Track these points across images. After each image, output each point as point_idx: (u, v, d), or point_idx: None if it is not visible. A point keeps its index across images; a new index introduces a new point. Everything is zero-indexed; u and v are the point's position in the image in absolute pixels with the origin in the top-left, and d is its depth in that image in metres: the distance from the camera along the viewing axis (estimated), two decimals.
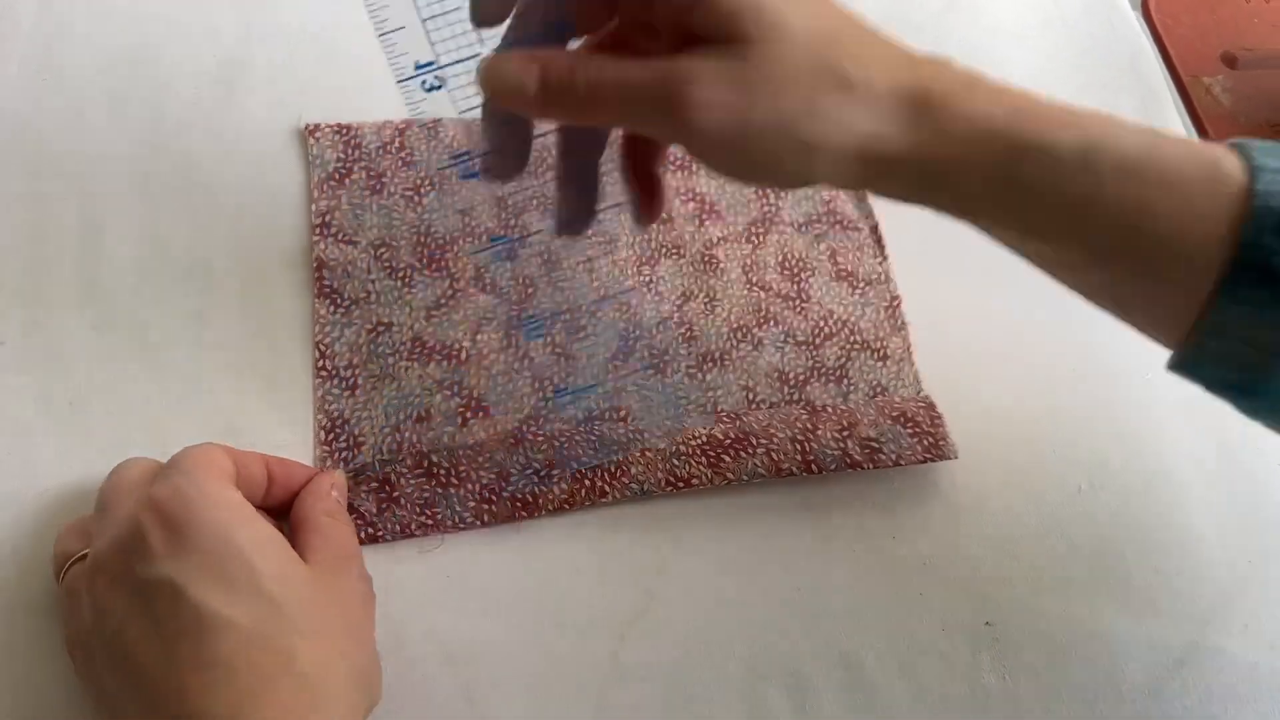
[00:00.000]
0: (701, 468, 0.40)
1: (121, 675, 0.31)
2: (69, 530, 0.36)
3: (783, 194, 0.47)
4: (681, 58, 0.30)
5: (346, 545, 0.36)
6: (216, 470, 0.34)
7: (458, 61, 0.35)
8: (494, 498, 0.40)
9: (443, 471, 0.40)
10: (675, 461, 0.40)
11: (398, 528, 0.39)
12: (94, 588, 0.32)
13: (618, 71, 0.31)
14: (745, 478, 0.40)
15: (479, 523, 0.39)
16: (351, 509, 0.39)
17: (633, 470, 0.40)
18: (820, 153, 0.30)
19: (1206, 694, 0.39)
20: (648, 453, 0.40)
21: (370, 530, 0.39)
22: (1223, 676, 0.40)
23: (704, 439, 0.41)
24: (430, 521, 0.39)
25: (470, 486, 0.40)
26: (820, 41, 0.30)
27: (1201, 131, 0.53)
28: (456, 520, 0.39)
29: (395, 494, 0.39)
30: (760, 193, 0.47)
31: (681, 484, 0.40)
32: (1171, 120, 0.52)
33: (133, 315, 0.42)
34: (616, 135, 0.38)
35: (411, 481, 0.40)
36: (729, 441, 0.41)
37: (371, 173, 0.45)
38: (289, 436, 0.41)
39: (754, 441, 0.41)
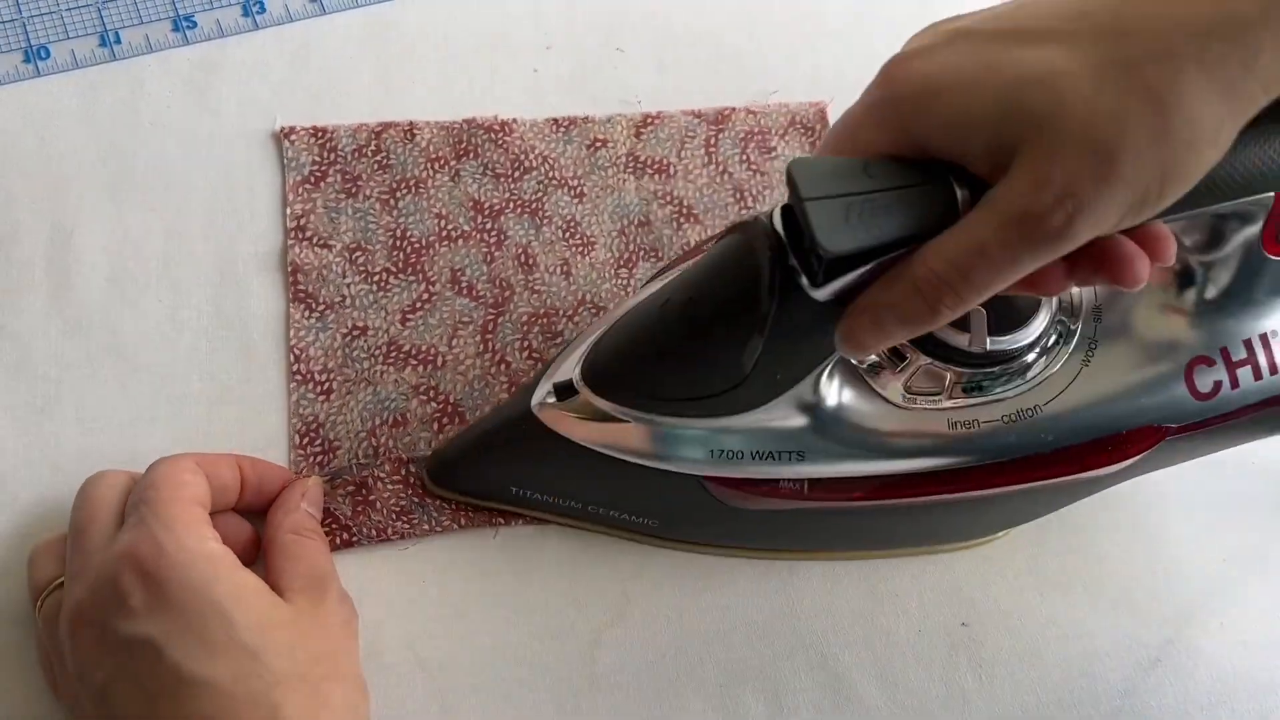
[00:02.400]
0: None
1: None
2: (43, 551, 0.35)
3: (759, 197, 0.47)
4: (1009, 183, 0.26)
5: (318, 565, 0.35)
6: (189, 509, 0.33)
7: None
8: (471, 508, 0.39)
9: (420, 484, 0.40)
10: None
11: (373, 532, 0.39)
12: (76, 641, 0.32)
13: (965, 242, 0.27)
14: None
15: (455, 526, 0.39)
16: (326, 512, 0.39)
17: None
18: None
19: (1182, 693, 0.40)
20: None
21: (345, 535, 0.38)
22: (1198, 675, 0.40)
23: None
24: (407, 525, 0.39)
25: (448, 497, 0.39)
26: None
27: None
28: (433, 524, 0.39)
29: (371, 498, 0.39)
30: (737, 196, 0.47)
31: None
32: None
33: (104, 320, 0.42)
34: None
35: (389, 487, 0.39)
36: None
37: (347, 176, 0.45)
38: (263, 441, 0.40)
39: None
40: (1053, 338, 0.36)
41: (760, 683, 0.38)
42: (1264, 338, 0.36)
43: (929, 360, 0.35)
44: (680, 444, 0.35)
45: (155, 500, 0.33)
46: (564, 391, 0.35)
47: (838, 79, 0.50)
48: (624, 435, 0.35)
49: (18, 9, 0.47)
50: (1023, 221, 0.26)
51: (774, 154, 0.48)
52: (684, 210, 0.46)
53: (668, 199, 0.47)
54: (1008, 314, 0.35)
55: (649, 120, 0.48)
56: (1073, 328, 0.36)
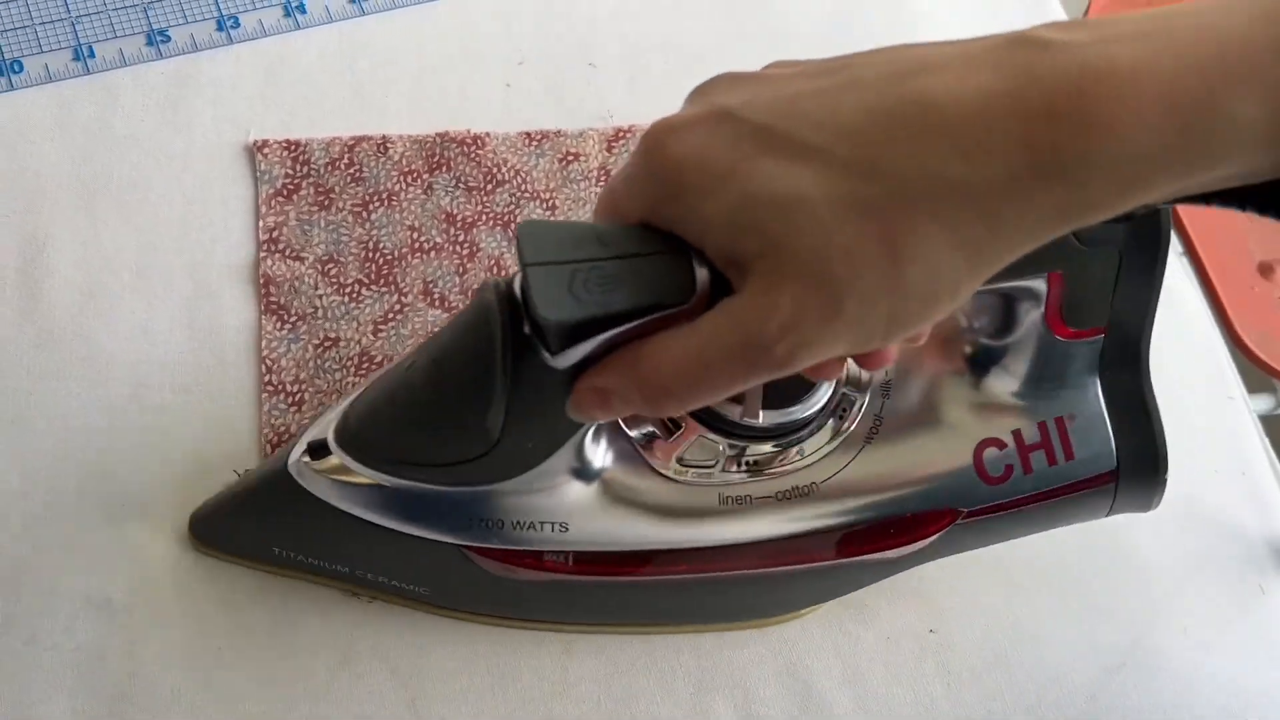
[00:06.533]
0: None
1: None
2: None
3: None
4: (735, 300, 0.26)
5: None
6: None
7: None
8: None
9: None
10: None
11: None
12: None
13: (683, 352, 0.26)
14: None
15: None
16: None
17: None
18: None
19: (1146, 696, 0.40)
20: None
21: None
22: (1162, 677, 0.41)
23: None
24: None
25: None
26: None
27: None
28: None
29: None
30: None
31: None
32: None
33: (77, 332, 0.42)
34: None
35: None
36: None
37: (320, 188, 0.45)
38: (235, 452, 0.40)
39: None
40: (834, 412, 0.34)
41: (730, 690, 0.39)
42: (1060, 421, 0.34)
43: (702, 431, 0.33)
44: (437, 511, 0.33)
45: None
46: (318, 450, 0.34)
47: None
48: (378, 499, 0.33)
49: None
50: (747, 346, 0.25)
51: None
52: None
53: None
54: (787, 385, 0.33)
55: (621, 134, 0.48)
56: (858, 402, 0.34)
